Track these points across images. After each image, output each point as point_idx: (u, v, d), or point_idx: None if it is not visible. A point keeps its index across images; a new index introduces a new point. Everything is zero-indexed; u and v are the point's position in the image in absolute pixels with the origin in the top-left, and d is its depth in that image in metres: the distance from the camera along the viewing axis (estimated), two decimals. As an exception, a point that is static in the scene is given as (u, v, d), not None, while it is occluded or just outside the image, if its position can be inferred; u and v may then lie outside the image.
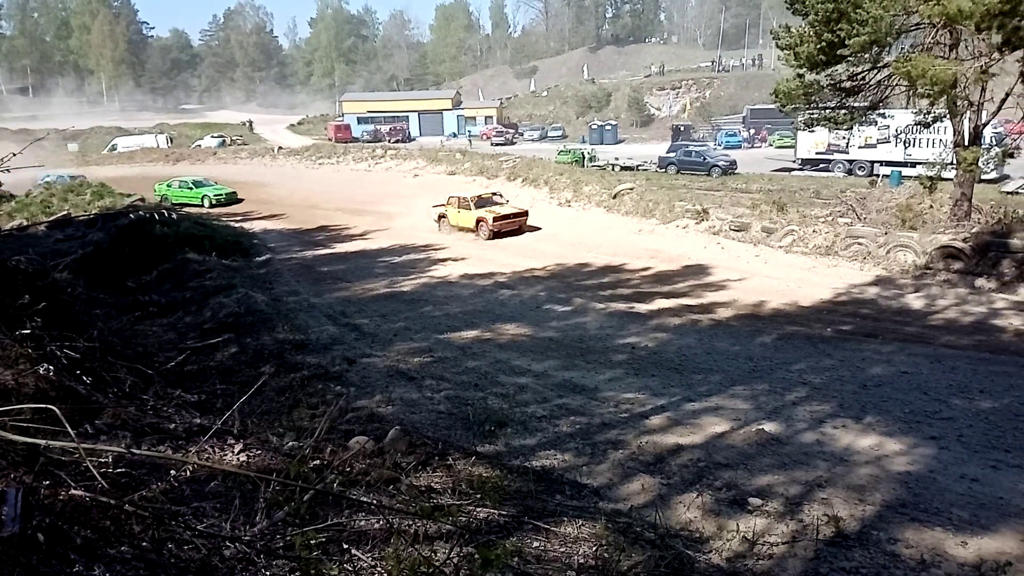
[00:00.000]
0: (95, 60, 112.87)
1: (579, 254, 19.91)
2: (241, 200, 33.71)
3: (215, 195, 33.14)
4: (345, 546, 3.45)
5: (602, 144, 57.35)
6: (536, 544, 4.73)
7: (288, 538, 3.26)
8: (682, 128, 59.92)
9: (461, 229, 23.93)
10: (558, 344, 12.13)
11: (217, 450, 4.80)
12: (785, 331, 12.75)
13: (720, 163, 38.31)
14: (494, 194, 25.51)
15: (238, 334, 11.24)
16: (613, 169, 38.85)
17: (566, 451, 7.39)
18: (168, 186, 34.40)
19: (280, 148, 52.58)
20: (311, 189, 34.08)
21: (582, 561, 4.52)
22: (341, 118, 76.17)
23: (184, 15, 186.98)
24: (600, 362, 11.05)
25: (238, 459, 4.68)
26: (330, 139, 62.77)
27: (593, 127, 65.10)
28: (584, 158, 41.46)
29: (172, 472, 3.74)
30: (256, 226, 27.56)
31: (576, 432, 7.97)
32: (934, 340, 12.02)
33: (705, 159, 39.01)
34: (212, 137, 65.64)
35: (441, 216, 24.68)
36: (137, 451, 3.68)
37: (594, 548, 4.71)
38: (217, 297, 13.69)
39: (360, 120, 73.02)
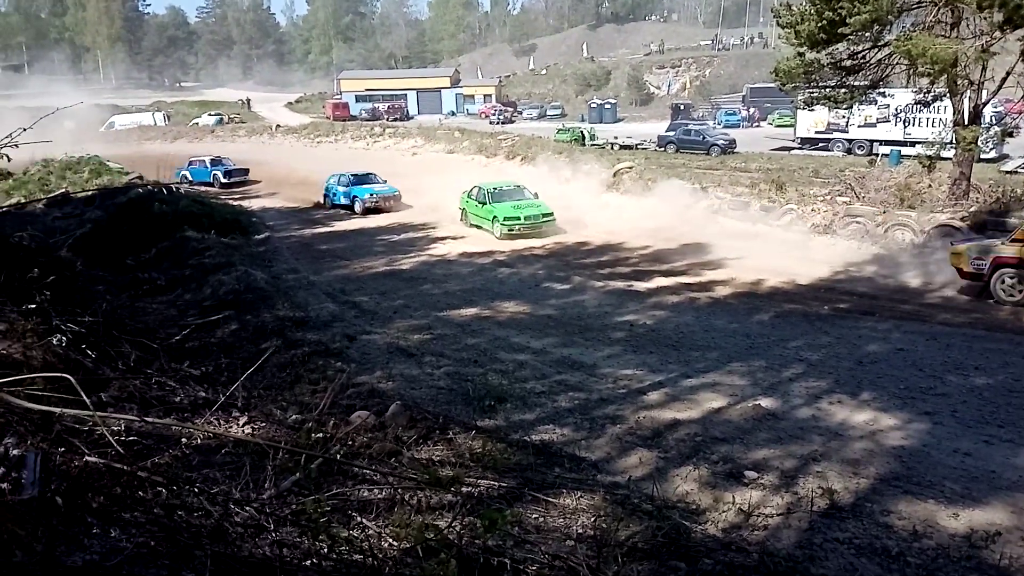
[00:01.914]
0: (91, 37, 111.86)
1: (578, 232, 19.93)
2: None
3: (508, 220, 19.88)
4: (352, 513, 3.54)
5: (601, 123, 57.07)
6: (536, 515, 4.84)
7: (296, 505, 3.35)
8: (681, 107, 59.62)
9: None
10: (557, 322, 12.21)
11: (222, 422, 4.88)
12: (782, 309, 12.84)
13: (719, 142, 38.19)
14: None
15: (238, 311, 11.30)
16: (612, 148, 38.77)
17: (565, 426, 7.49)
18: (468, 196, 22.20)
19: (278, 126, 52.27)
20: (310, 167, 33.91)
21: (581, 531, 4.62)
22: (339, 96, 75.63)
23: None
24: (598, 339, 11.13)
25: (243, 431, 4.77)
26: (328, 117, 62.28)
27: (592, 105, 64.72)
28: (583, 137, 41.31)
29: (183, 440, 3.82)
30: (255, 204, 27.55)
31: (575, 407, 8.06)
32: (930, 318, 12.11)
33: (704, 138, 38.90)
34: (210, 115, 65.03)
35: None
36: (148, 419, 3.75)
37: (592, 519, 4.81)
38: (216, 275, 13.73)
39: (358, 98, 72.57)
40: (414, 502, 4.08)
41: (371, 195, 25.52)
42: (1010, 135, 19.04)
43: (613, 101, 67.08)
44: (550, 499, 5.06)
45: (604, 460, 6.68)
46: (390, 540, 3.24)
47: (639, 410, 7.96)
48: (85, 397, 3.01)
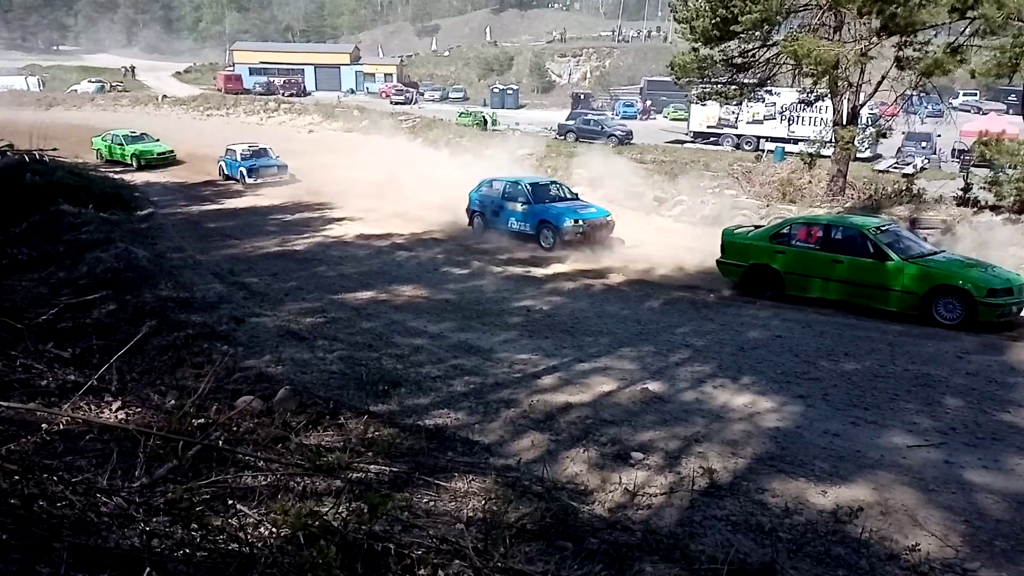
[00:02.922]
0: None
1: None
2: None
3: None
4: (230, 501, 3.41)
5: (503, 108, 57.17)
6: (427, 499, 4.81)
7: (170, 494, 3.19)
8: (582, 96, 60.48)
9: None
10: (455, 306, 12.18)
11: (94, 407, 4.60)
12: (672, 296, 13.28)
13: (617, 132, 39.04)
14: None
15: (117, 291, 10.69)
16: (514, 134, 38.94)
17: (459, 410, 7.48)
18: None
19: (165, 97, 49.87)
20: (198, 141, 32.44)
21: (471, 514, 4.62)
22: (232, 68, 72.50)
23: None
24: (496, 324, 11.18)
25: (116, 416, 4.51)
26: (219, 89, 59.73)
27: (495, 90, 64.68)
28: (486, 121, 41.29)
29: (44, 426, 3.56)
30: (137, 178, 26.14)
31: (470, 391, 8.06)
32: (806, 307, 12.78)
33: (603, 128, 39.66)
34: (90, 82, 61.26)
35: None
36: (6, 404, 3.48)
37: (483, 502, 4.83)
38: (94, 252, 12.93)
39: (252, 71, 69.81)
40: (300, 489, 3.97)
41: (576, 222, 16.66)
42: (883, 136, 20.31)
43: (515, 87, 67.26)
44: (441, 483, 5.05)
45: (497, 443, 6.72)
46: (271, 527, 3.14)
47: (533, 394, 8.05)
48: (-71, 381, 2.76)
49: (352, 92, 68.60)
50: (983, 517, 5.70)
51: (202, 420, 4.87)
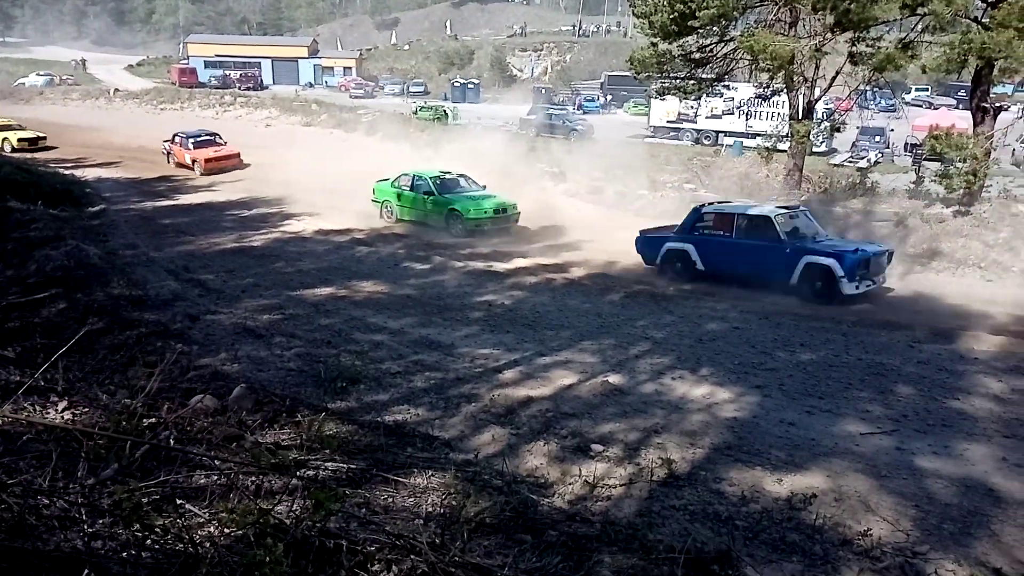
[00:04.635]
0: None
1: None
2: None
3: None
4: (179, 502, 3.33)
5: (464, 103, 56.97)
6: (385, 495, 4.76)
7: (116, 496, 3.10)
8: (543, 91, 60.55)
9: None
10: (416, 301, 12.10)
11: (38, 407, 4.46)
12: (632, 289, 13.36)
13: (578, 127, 39.13)
14: None
15: (67, 289, 10.43)
16: (474, 128, 38.80)
17: (420, 406, 7.44)
18: None
19: (117, 90, 48.68)
20: (152, 136, 31.68)
21: (430, 510, 4.59)
22: (186, 61, 71.10)
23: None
24: (457, 319, 11.14)
25: (62, 417, 4.38)
26: (174, 83, 58.66)
27: (455, 84, 64.44)
28: (447, 115, 41.07)
29: (-21, 428, 3.44)
30: (89, 174, 25.43)
31: (430, 387, 8.02)
32: (763, 299, 12.97)
33: (564, 122, 39.72)
34: (38, 75, 59.62)
35: None
36: (-64, 406, 3.35)
37: (443, 497, 4.80)
38: (43, 249, 12.58)
39: (207, 64, 68.47)
40: (252, 487, 3.90)
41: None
42: (838, 130, 20.70)
43: (476, 81, 67.06)
44: (400, 479, 5.00)
45: (458, 438, 6.69)
46: (223, 527, 3.07)
47: (494, 388, 8.04)
48: None
49: (311, 86, 67.73)
50: (932, 502, 5.84)
51: (153, 419, 4.76)
